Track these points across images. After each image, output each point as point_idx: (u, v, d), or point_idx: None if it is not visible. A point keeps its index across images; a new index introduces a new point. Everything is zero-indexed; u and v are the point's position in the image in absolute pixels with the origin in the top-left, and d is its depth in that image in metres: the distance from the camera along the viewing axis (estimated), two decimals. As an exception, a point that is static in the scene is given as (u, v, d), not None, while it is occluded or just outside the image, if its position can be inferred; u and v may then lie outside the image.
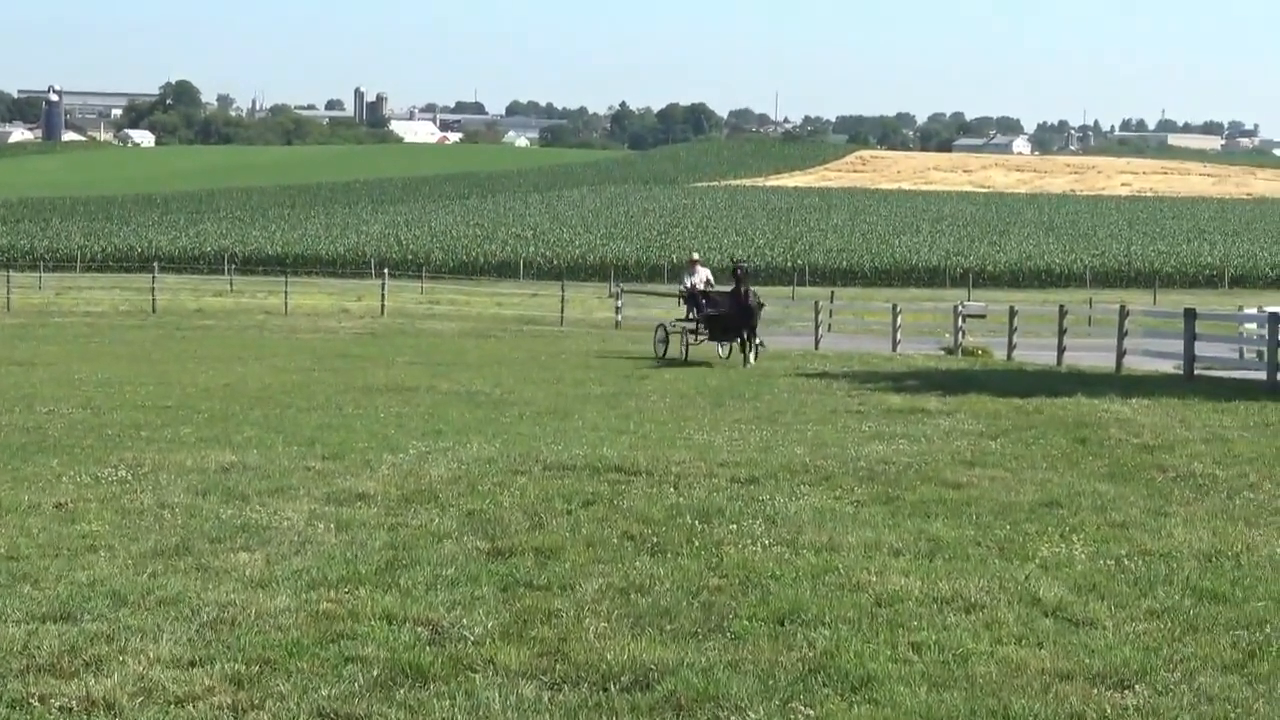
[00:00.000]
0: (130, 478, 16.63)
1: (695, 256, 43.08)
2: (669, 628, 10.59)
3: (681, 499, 15.42)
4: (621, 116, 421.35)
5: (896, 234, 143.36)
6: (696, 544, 13.19)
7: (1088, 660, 9.89)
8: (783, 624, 10.68)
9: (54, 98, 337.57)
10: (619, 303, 62.31)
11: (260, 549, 13.02)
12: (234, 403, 25.10)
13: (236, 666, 9.63)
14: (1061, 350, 39.88)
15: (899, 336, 48.75)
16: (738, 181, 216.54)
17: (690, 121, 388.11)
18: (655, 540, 13.38)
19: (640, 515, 14.49)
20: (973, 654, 10.04)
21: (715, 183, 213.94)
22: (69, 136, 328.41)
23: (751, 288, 38.14)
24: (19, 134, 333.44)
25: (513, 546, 13.07)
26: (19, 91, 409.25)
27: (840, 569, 12.29)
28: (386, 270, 79.45)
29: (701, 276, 40.41)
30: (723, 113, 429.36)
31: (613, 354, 41.04)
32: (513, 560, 12.59)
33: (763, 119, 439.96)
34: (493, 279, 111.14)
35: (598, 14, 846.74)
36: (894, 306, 52.19)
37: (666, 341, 39.29)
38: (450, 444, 19.58)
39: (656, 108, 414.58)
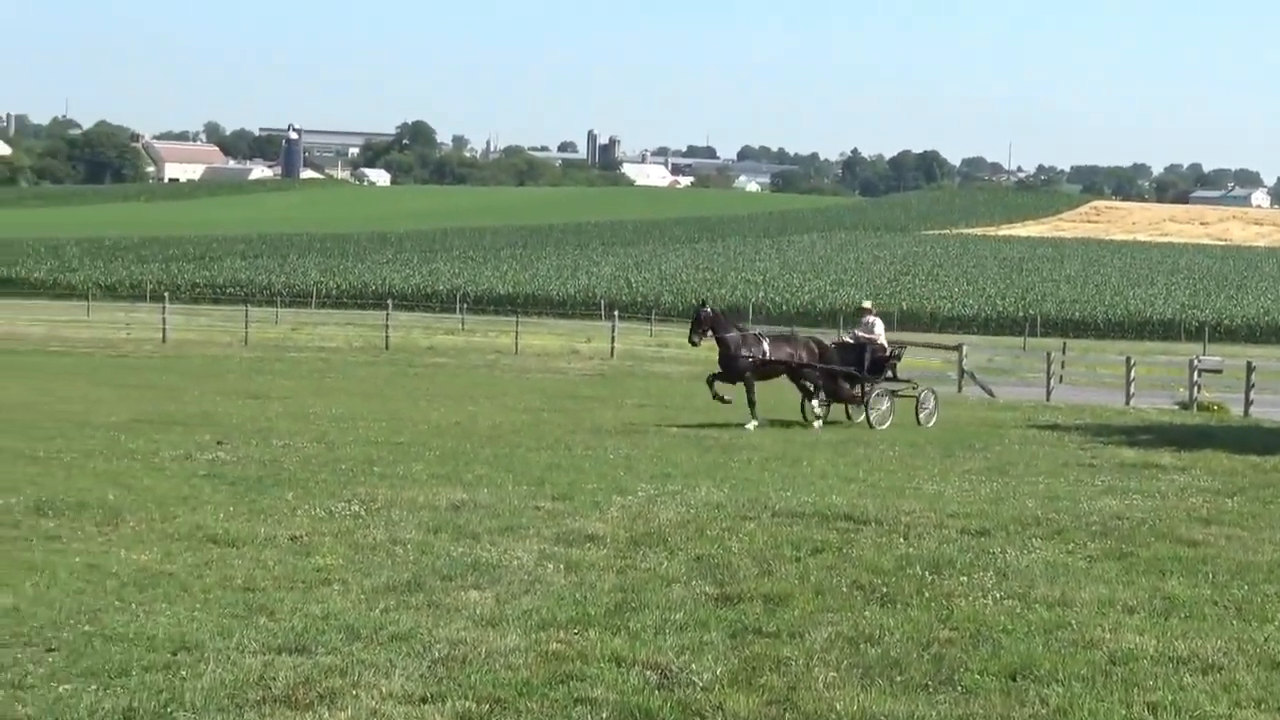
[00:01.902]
0: (363, 513, 16.84)
1: (866, 304, 37.75)
2: (899, 679, 10.49)
3: (911, 549, 15.28)
4: (853, 163, 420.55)
5: (1131, 286, 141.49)
6: (926, 595, 13.06)
7: (1330, 727, 9.65)
8: (1014, 679, 10.53)
9: (294, 136, 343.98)
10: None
11: (490, 587, 13.11)
12: (465, 441, 25.32)
13: (467, 704, 9.70)
14: (1300, 407, 39.07)
15: (1132, 390, 47.96)
16: (969, 230, 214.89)
17: (922, 169, 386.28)
18: (885, 590, 13.27)
19: (869, 565, 14.37)
20: (1210, 716, 9.83)
21: (946, 231, 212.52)
22: (307, 174, 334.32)
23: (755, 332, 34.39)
24: (259, 171, 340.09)
25: (741, 592, 13.03)
26: (260, 129, 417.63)
27: (1073, 625, 12.09)
28: (616, 312, 79.86)
29: (873, 327, 34.61)
30: (955, 160, 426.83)
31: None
32: (741, 606, 12.55)
33: (995, 168, 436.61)
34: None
35: (830, 61, 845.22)
36: (1127, 359, 51.35)
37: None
38: (679, 487, 19.59)
39: (888, 155, 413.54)
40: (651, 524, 16.50)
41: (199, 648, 10.88)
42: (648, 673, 10.51)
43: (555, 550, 14.87)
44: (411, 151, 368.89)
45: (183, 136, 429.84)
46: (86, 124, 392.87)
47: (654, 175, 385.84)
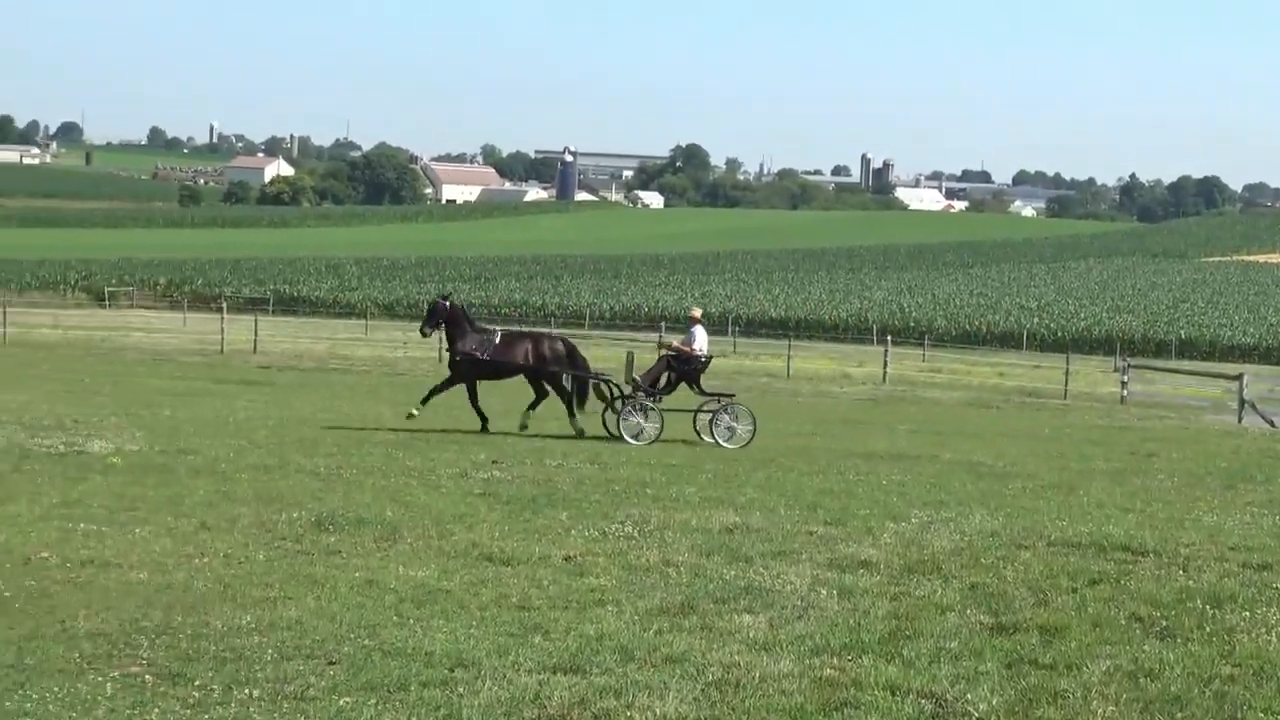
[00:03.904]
0: (636, 534, 16.92)
1: (695, 312, 32.64)
2: (1179, 716, 10.28)
3: (1191, 582, 14.96)
4: (1131, 188, 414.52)
5: None
6: (1208, 630, 12.79)
7: None
8: (1301, 719, 10.27)
9: (569, 159, 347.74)
10: (1125, 377, 61.06)
11: (764, 612, 13.09)
12: (736, 464, 25.32)
13: (740, 728, 9.70)
14: None
15: None
16: (1251, 257, 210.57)
17: (1202, 194, 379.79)
18: (1164, 624, 13.01)
19: (1148, 597, 14.11)
20: None
21: (1227, 257, 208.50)
22: (582, 196, 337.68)
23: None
24: (534, 193, 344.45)
25: (1017, 623, 12.87)
26: (536, 152, 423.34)
27: (1363, 665, 11.75)
28: (889, 336, 79.45)
29: (693, 338, 31.43)
30: (1236, 186, 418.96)
31: (1117, 428, 40.20)
32: (1017, 636, 12.39)
33: (1278, 194, 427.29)
34: (994, 349, 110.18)
35: (1106, 85, 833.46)
36: None
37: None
38: (953, 515, 19.41)
39: (1167, 180, 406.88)
40: (925, 551, 16.36)
41: (475, 665, 11.02)
42: (922, 701, 10.42)
43: (828, 575, 14.81)
44: (685, 174, 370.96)
45: (460, 159, 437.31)
46: (367, 146, 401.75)
47: (927, 199, 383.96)
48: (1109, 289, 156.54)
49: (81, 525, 16.27)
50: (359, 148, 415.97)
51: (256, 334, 69.45)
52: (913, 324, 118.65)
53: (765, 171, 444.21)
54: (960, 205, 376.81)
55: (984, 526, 18.35)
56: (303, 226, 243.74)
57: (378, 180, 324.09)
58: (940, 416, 43.56)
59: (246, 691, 10.25)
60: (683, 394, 31.32)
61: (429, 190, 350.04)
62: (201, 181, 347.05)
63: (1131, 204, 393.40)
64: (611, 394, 30.94)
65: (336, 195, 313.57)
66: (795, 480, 23.09)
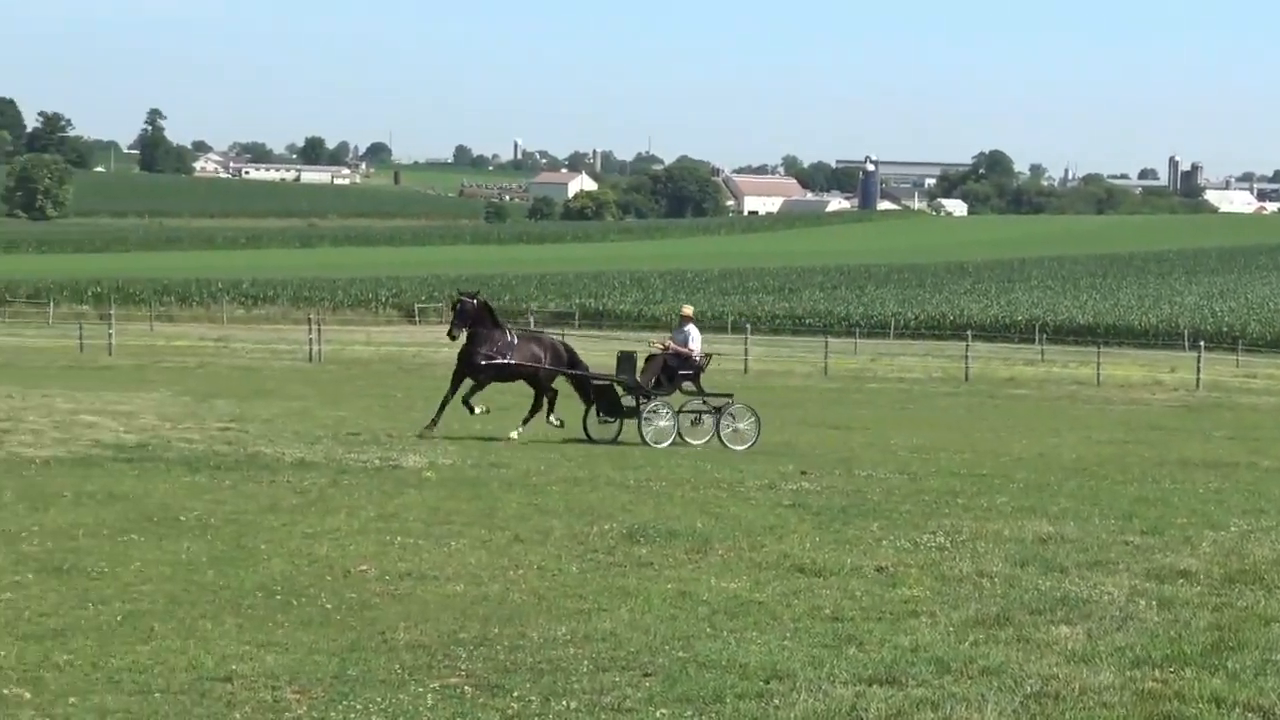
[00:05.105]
0: (949, 544, 16.77)
1: (686, 310, 31.89)
2: None
3: None
4: None
5: None
6: None
7: None
8: None
9: (870, 168, 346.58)
10: None
11: (1081, 623, 12.88)
12: (1048, 473, 24.97)
13: (1061, 742, 9.54)
14: None
15: None
16: None
17: None
18: None
19: None
20: None
21: None
22: (884, 205, 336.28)
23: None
24: (836, 203, 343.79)
25: (1344, 634, 12.50)
26: (837, 162, 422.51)
27: None
28: (1201, 342, 77.82)
29: (688, 337, 30.64)
30: None
31: None
32: (1345, 649, 12.03)
33: None
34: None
35: None
36: None
37: None
38: (1274, 523, 18.93)
39: None
40: (1246, 561, 15.98)
41: (790, 677, 10.98)
42: (1249, 715, 10.19)
43: (1146, 586, 14.53)
44: (988, 181, 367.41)
45: (761, 170, 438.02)
46: (668, 159, 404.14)
47: (1238, 201, 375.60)
48: None
49: (399, 538, 16.56)
50: (661, 161, 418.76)
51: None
52: (1225, 329, 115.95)
53: (1070, 177, 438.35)
54: (1273, 207, 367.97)
55: (1308, 536, 17.86)
56: (606, 240, 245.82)
57: (680, 193, 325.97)
58: (1257, 423, 42.54)
59: (564, 703, 10.34)
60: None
61: (731, 202, 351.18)
62: (507, 198, 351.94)
63: None
64: (636, 400, 29.72)
65: (639, 209, 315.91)
66: (1109, 489, 22.71)
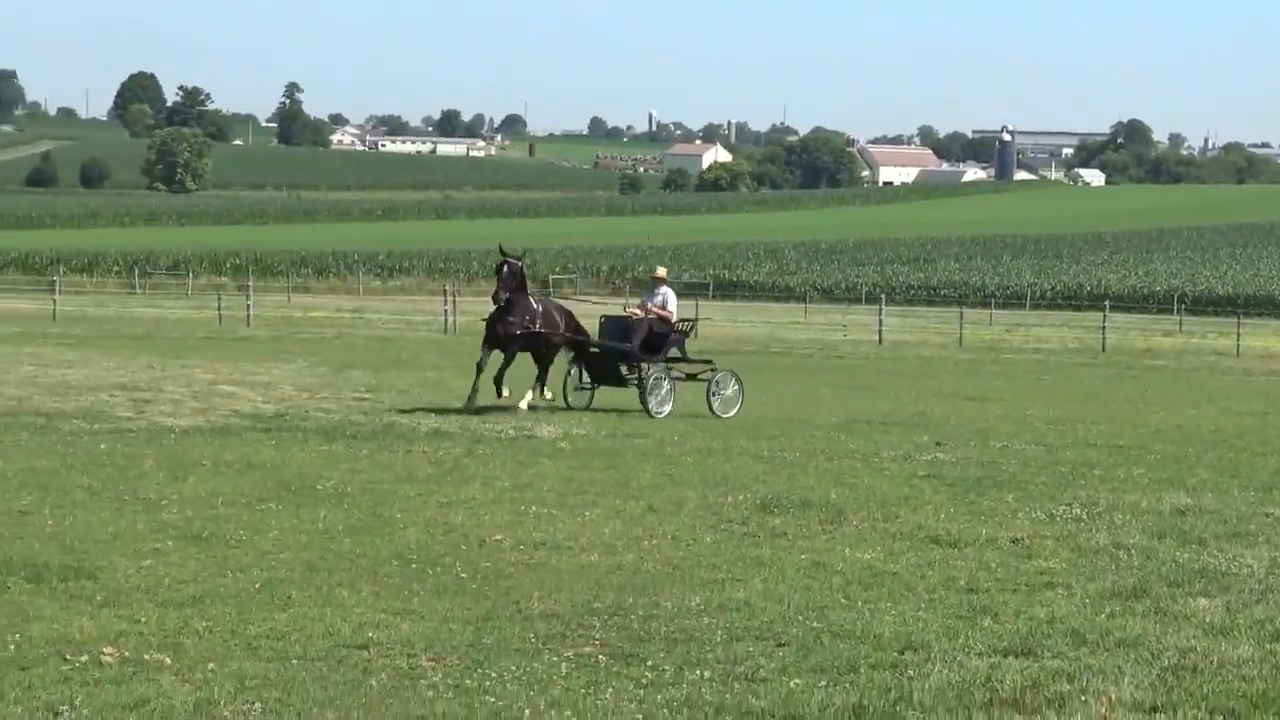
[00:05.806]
0: (1085, 516, 16.65)
1: (660, 272, 31.23)
2: None
3: None
4: None
5: None
6: None
7: None
8: None
9: (1006, 138, 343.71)
10: None
11: (1220, 595, 12.76)
12: (1186, 445, 24.72)
13: (1199, 715, 9.49)
14: None
15: None
16: None
17: None
18: None
19: None
20: None
21: None
22: (1020, 175, 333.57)
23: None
24: (972, 173, 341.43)
25: None
26: (973, 132, 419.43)
27: None
28: (1344, 312, 76.70)
29: (666, 300, 29.51)
30: None
31: None
32: None
33: None
34: None
35: None
36: None
37: None
38: None
39: None
40: (1388, 535, 15.75)
41: (925, 648, 10.96)
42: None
43: (1291, 559, 14.36)
44: (1126, 151, 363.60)
45: (897, 140, 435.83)
46: (803, 130, 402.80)
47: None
48: None
49: (533, 508, 16.65)
50: (795, 132, 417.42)
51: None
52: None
53: (1210, 146, 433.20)
54: None
55: None
56: (740, 212, 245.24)
57: (814, 164, 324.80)
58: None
59: (698, 672, 10.35)
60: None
61: (865, 173, 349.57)
62: (641, 169, 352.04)
63: None
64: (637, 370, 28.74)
65: (774, 180, 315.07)
66: (1249, 461, 22.47)
